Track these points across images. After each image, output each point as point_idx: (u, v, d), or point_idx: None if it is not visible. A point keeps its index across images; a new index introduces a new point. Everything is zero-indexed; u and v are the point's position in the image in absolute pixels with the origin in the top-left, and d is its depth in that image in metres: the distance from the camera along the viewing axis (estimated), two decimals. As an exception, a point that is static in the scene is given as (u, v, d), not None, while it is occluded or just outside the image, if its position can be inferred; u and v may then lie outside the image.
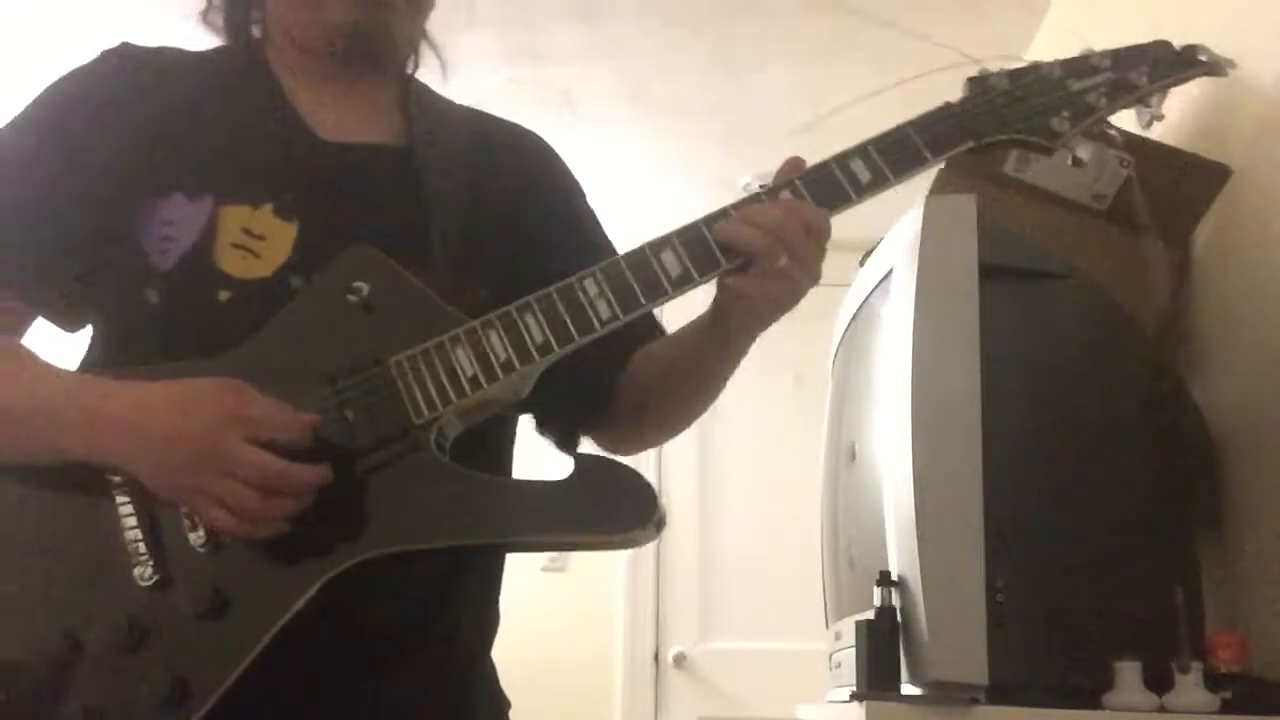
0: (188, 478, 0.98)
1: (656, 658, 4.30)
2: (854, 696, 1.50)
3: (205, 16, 1.27)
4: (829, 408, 2.11)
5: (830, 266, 1.12)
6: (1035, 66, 1.16)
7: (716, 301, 1.15)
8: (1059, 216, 1.82)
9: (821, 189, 1.10)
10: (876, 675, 1.47)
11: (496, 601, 1.24)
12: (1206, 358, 1.86)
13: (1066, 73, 1.15)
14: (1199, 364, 1.87)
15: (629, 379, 1.27)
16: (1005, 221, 1.61)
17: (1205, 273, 1.90)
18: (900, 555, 1.50)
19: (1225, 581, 1.71)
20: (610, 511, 1.01)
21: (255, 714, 0.98)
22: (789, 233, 1.07)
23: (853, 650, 1.53)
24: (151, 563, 1.00)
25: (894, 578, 1.50)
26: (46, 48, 3.17)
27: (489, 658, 1.24)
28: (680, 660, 4.27)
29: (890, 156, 1.10)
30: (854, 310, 1.92)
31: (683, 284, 1.07)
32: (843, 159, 1.11)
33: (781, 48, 3.21)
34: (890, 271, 1.65)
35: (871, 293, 1.80)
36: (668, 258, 1.08)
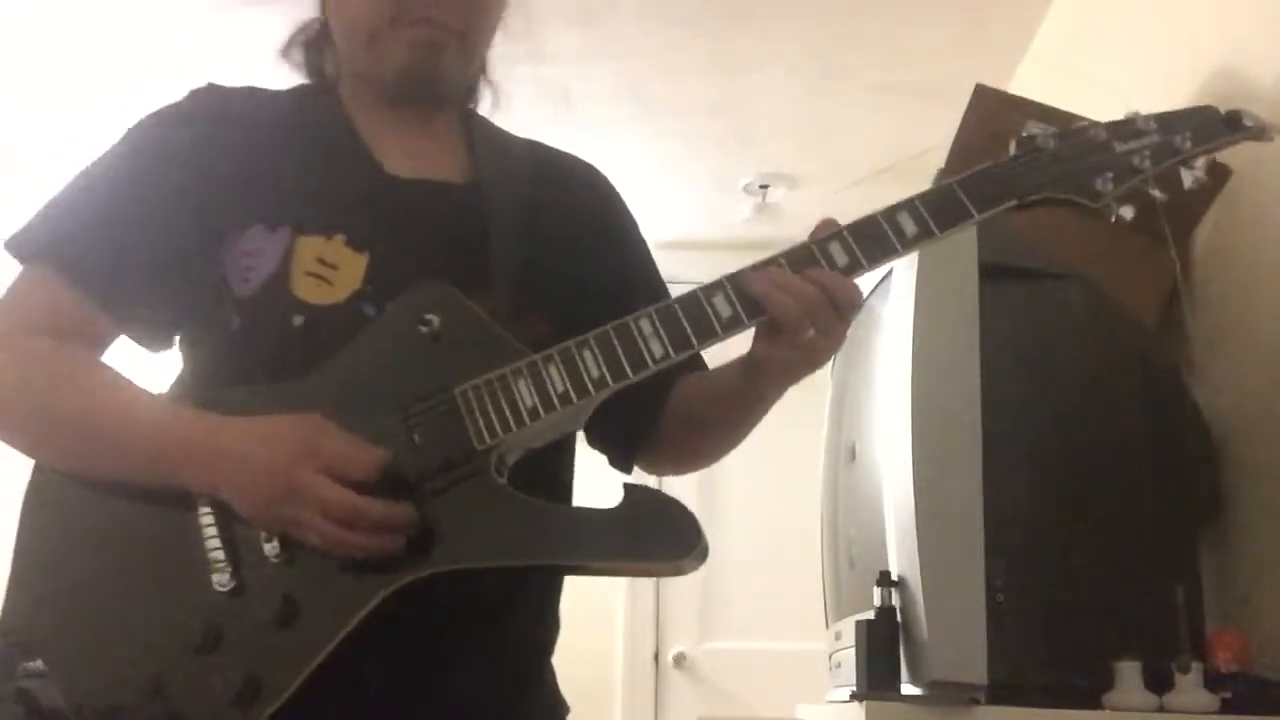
0: (276, 508, 1.05)
1: (656, 658, 4.30)
2: (854, 696, 1.50)
3: (286, 53, 1.35)
4: (829, 408, 2.12)
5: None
6: (1083, 129, 1.18)
7: (749, 357, 1.19)
8: (1059, 216, 1.82)
9: (868, 241, 1.13)
10: (876, 675, 1.47)
11: (557, 606, 1.30)
12: (1206, 358, 1.86)
13: (1112, 135, 1.18)
14: (1199, 364, 1.87)
15: (673, 407, 1.33)
16: (1005, 221, 1.61)
17: (1205, 273, 1.90)
18: (900, 555, 1.50)
19: (1225, 581, 1.71)
20: (657, 541, 1.07)
21: (324, 711, 1.04)
22: (819, 310, 1.10)
23: (853, 650, 1.54)
24: (229, 570, 1.07)
25: (894, 578, 1.50)
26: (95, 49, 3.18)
27: (549, 663, 1.29)
28: (680, 660, 4.27)
29: (936, 211, 1.14)
30: (854, 310, 1.92)
31: (733, 327, 1.11)
32: (890, 213, 1.14)
33: (781, 48, 3.21)
34: (890, 271, 1.65)
35: (871, 293, 1.80)
36: (719, 301, 1.11)
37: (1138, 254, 1.86)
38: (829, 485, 2.08)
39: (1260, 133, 1.18)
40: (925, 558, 1.43)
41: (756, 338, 1.15)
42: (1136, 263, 1.86)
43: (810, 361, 1.15)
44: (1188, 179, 1.19)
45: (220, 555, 1.07)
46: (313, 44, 1.34)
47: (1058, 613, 1.49)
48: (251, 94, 1.30)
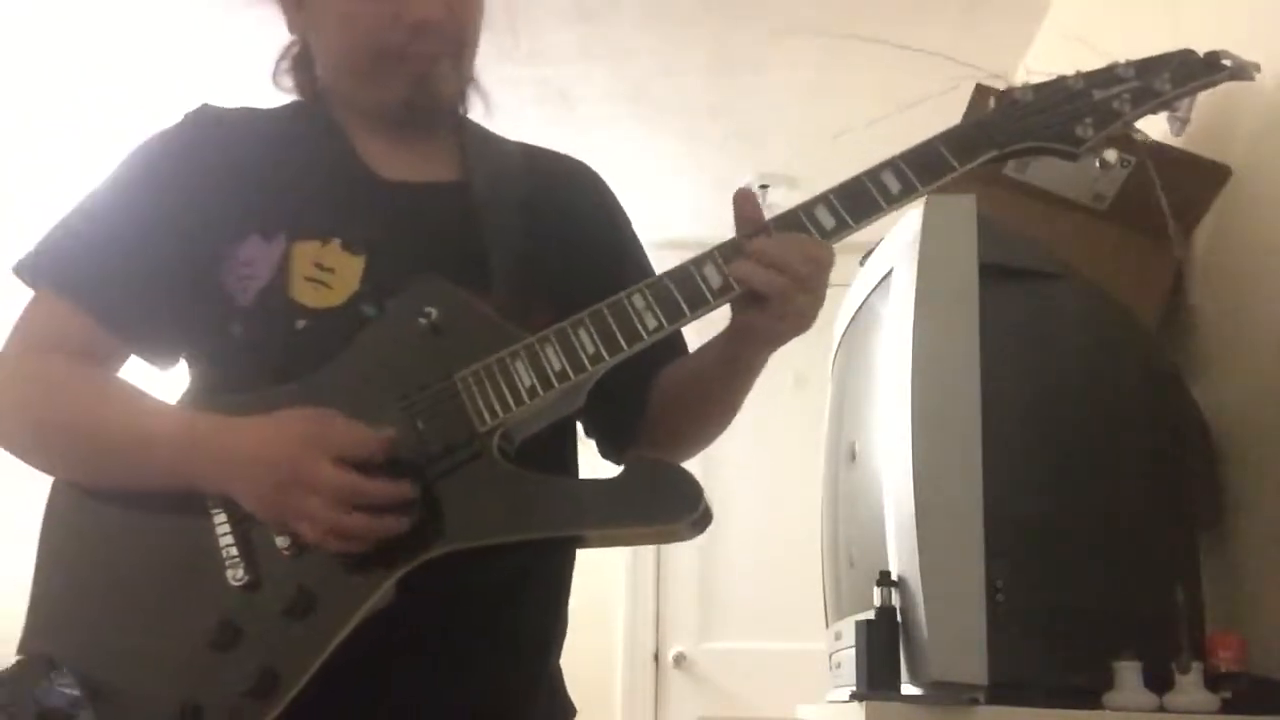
0: (279, 497, 1.08)
1: (656, 658, 4.30)
2: (854, 696, 1.50)
3: (275, 79, 1.37)
4: (829, 408, 2.11)
5: (831, 266, 1.15)
6: (1060, 79, 1.20)
7: (733, 328, 1.22)
8: (1059, 216, 1.82)
9: (853, 201, 1.16)
10: (876, 675, 1.47)
11: (564, 607, 1.32)
12: (1206, 358, 1.86)
13: (1090, 83, 1.20)
14: (1199, 364, 1.87)
15: (657, 393, 1.34)
16: (1005, 221, 1.61)
17: (1205, 273, 1.90)
18: (900, 555, 1.50)
19: (1225, 581, 1.71)
20: (656, 504, 1.10)
21: (338, 701, 1.07)
22: (805, 273, 1.12)
23: (853, 650, 1.54)
24: (243, 565, 1.10)
25: (894, 578, 1.50)
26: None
27: (554, 662, 1.32)
28: (680, 660, 4.27)
29: (918, 167, 1.16)
30: (854, 310, 1.93)
31: (724, 294, 1.14)
32: (873, 172, 1.17)
33: (781, 48, 3.21)
34: (890, 271, 1.65)
35: (871, 293, 1.80)
36: (709, 271, 1.14)
37: (1138, 254, 1.86)
38: (829, 485, 2.08)
39: (1241, 71, 1.19)
40: (925, 558, 1.43)
41: (740, 307, 1.17)
42: (1136, 263, 1.86)
43: (796, 327, 1.17)
44: (1174, 126, 1.20)
45: (234, 552, 1.10)
46: (298, 65, 1.36)
47: (1058, 613, 1.49)
48: (246, 113, 1.33)
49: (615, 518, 1.12)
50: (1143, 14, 2.33)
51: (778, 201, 3.99)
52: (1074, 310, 1.64)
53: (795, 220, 1.15)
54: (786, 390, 3.95)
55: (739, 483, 4.28)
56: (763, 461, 4.19)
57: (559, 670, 1.32)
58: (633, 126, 3.62)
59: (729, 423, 1.37)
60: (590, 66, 3.30)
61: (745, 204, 1.17)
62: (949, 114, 1.88)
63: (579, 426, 1.33)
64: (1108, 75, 1.20)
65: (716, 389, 1.31)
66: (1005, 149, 1.18)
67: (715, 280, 1.13)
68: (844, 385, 2.03)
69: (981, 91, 2.01)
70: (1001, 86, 1.45)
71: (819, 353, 2.18)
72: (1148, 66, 1.19)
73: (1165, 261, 1.89)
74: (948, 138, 1.18)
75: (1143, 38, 2.30)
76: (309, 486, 1.05)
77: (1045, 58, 2.97)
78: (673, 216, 4.11)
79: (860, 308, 1.88)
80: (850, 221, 1.14)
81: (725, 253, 1.14)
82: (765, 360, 1.25)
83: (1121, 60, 1.19)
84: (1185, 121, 1.19)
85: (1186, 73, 1.19)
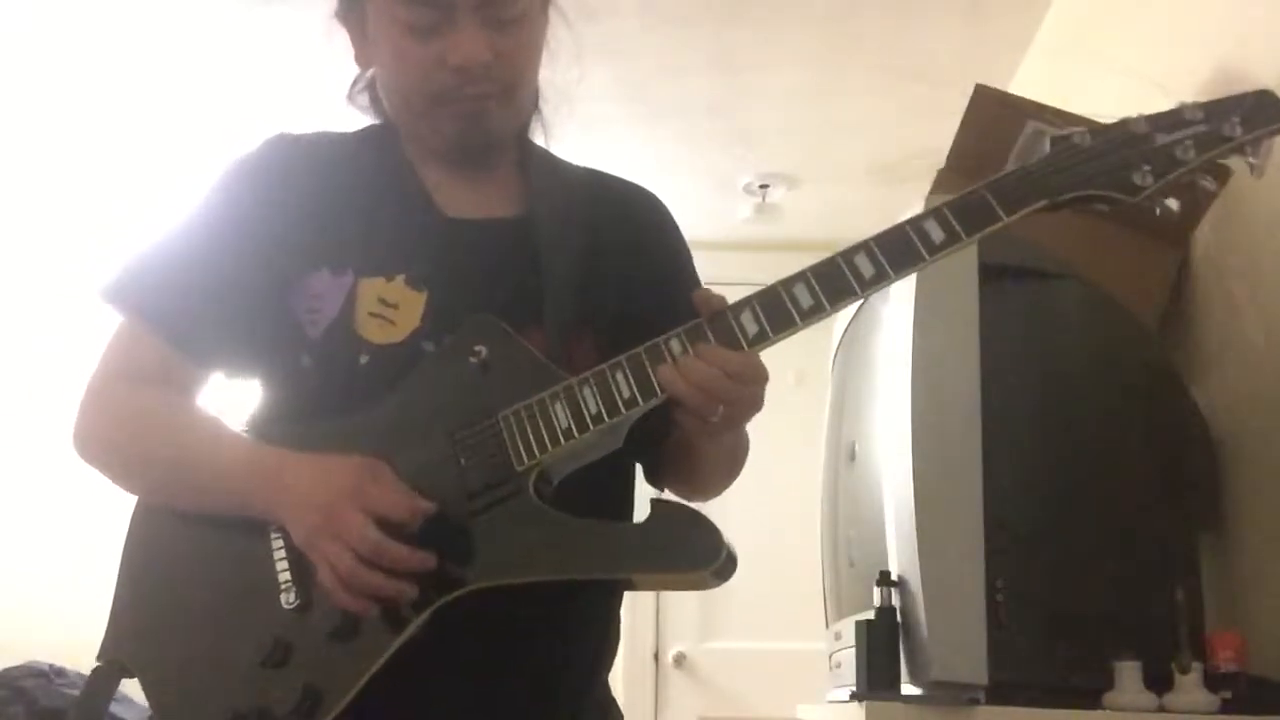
0: (311, 534, 1.13)
1: (656, 658, 4.30)
2: (854, 696, 1.50)
3: (351, 97, 1.40)
4: (829, 408, 2.12)
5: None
6: (1122, 123, 1.13)
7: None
8: (1059, 216, 1.82)
9: (893, 250, 1.12)
10: (876, 675, 1.47)
11: (614, 624, 1.35)
12: (1206, 358, 1.86)
13: (1154, 127, 1.12)
14: (1199, 364, 1.87)
15: (667, 452, 1.37)
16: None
17: (1205, 273, 1.90)
18: (900, 555, 1.50)
19: (1225, 581, 1.71)
20: (680, 553, 1.13)
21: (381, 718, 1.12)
22: (720, 392, 1.13)
23: (853, 650, 1.54)
24: (295, 589, 1.16)
25: (894, 578, 1.50)
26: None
27: (604, 678, 1.35)
28: (680, 660, 4.27)
29: (964, 216, 1.12)
30: (854, 310, 1.93)
31: (759, 341, 1.14)
32: (917, 221, 1.13)
33: (781, 48, 3.21)
34: (890, 271, 1.65)
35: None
36: (746, 318, 1.14)
37: (1138, 254, 1.86)
38: (829, 485, 2.08)
39: None
40: (925, 558, 1.43)
41: (676, 416, 1.17)
42: (1136, 263, 1.86)
43: (729, 427, 1.18)
44: (1252, 170, 1.11)
45: (288, 576, 1.16)
46: (372, 90, 1.38)
47: (1058, 613, 1.49)
48: (320, 140, 1.37)
49: (637, 564, 1.16)
50: (1142, 14, 2.33)
51: (777, 201, 3.99)
52: (1074, 310, 1.64)
53: (835, 268, 1.12)
54: (786, 390, 3.95)
55: (738, 482, 4.28)
56: (762, 461, 4.18)
57: (608, 686, 1.36)
58: (633, 126, 3.61)
59: (719, 481, 1.45)
60: (590, 66, 3.30)
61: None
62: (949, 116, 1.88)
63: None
64: (1174, 118, 1.12)
65: (700, 463, 1.37)
66: (1057, 198, 1.12)
67: (752, 329, 1.13)
68: (844, 385, 2.03)
69: (981, 92, 2.02)
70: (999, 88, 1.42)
71: (819, 352, 2.18)
72: (1217, 109, 1.11)
73: (1165, 261, 1.90)
74: (996, 186, 1.12)
75: (1142, 38, 2.31)
76: (337, 534, 1.10)
77: (1045, 57, 2.97)
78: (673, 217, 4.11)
79: (860, 307, 1.88)
80: (890, 272, 1.11)
81: (762, 299, 1.13)
82: (721, 443, 1.30)
83: (1189, 100, 1.12)
84: (1261, 166, 1.09)
85: (1262, 115, 1.10)
